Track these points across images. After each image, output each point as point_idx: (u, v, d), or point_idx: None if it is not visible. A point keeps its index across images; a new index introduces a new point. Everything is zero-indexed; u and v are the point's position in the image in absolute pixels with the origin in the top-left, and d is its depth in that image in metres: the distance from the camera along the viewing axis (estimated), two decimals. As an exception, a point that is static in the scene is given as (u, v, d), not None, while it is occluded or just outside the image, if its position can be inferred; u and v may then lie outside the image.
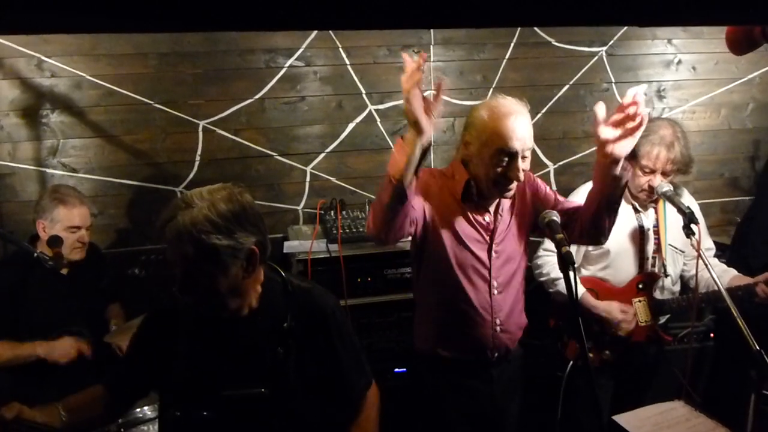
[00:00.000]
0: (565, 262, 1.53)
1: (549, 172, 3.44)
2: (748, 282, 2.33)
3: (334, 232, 2.83)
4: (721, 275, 2.43)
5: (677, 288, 2.52)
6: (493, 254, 2.02)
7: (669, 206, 2.37)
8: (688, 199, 2.45)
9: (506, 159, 1.85)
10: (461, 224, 1.99)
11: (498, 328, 2.05)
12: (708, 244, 2.52)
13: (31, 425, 1.43)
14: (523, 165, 1.88)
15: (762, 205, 2.89)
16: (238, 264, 1.44)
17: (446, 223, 1.98)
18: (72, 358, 2.29)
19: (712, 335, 2.92)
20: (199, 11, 0.75)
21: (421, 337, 2.16)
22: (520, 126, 1.84)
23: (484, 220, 2.01)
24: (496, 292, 2.03)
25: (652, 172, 2.30)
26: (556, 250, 1.60)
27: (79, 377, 2.23)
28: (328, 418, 1.64)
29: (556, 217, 1.69)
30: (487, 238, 2.02)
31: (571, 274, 1.50)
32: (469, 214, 1.99)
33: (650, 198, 2.37)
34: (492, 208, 2.03)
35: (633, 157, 2.28)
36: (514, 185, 1.91)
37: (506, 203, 2.05)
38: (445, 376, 2.10)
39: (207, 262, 1.40)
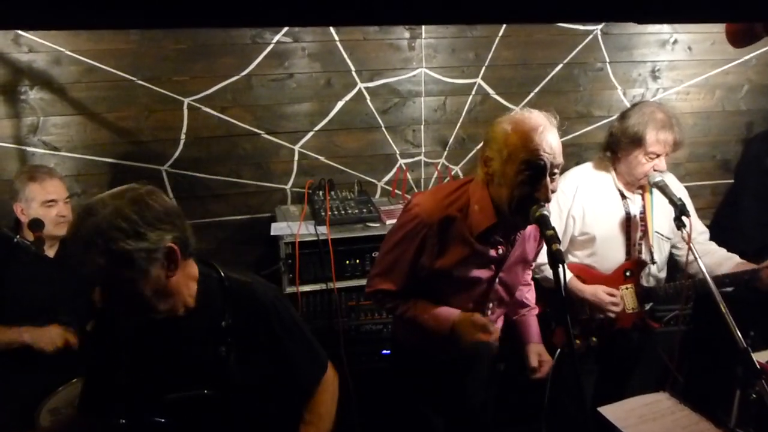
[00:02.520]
0: (556, 260, 1.52)
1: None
2: (754, 267, 2.32)
3: (323, 213, 2.80)
4: (724, 262, 2.42)
5: (663, 275, 2.52)
6: (496, 282, 1.94)
7: (656, 192, 2.35)
8: (675, 185, 2.42)
9: (533, 175, 1.66)
10: (469, 259, 1.86)
11: None
12: (700, 228, 2.51)
13: None
14: (552, 185, 1.70)
15: (744, 189, 2.85)
16: (157, 265, 1.37)
17: (453, 261, 1.85)
18: (58, 347, 2.25)
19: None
20: (182, 8, 0.71)
21: (399, 327, 2.15)
22: (547, 138, 1.66)
23: (497, 252, 1.88)
24: (489, 312, 1.99)
25: (658, 156, 2.27)
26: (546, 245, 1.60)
27: (62, 365, 2.22)
28: (282, 410, 1.62)
29: (546, 211, 1.66)
30: (494, 267, 1.92)
31: (560, 271, 1.49)
32: (481, 247, 1.85)
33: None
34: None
35: (640, 145, 2.25)
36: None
37: (524, 232, 1.91)
38: (421, 362, 2.10)
39: (123, 269, 1.33)
